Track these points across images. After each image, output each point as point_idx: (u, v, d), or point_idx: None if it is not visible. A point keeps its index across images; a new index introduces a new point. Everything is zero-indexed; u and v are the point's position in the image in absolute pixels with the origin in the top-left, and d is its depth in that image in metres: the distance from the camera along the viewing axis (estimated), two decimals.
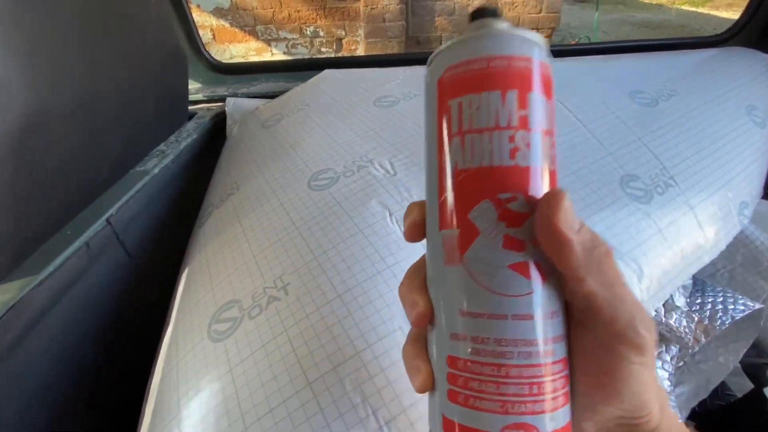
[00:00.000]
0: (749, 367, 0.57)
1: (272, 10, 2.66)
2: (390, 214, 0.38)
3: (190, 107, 0.72)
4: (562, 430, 0.16)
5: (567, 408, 0.17)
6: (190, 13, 0.75)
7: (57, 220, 0.42)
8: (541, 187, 0.17)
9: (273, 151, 0.53)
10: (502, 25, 0.18)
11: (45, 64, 0.36)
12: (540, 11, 2.72)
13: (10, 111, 0.33)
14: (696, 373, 0.51)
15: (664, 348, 0.45)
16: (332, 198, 0.41)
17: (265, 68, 0.84)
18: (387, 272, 0.33)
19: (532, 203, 0.16)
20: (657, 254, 0.39)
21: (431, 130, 0.19)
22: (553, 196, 0.16)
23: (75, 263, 0.40)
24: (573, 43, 3.53)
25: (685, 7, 4.73)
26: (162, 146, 0.61)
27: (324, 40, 2.81)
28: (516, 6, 2.70)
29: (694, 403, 0.50)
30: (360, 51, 2.79)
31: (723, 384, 0.58)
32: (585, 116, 0.49)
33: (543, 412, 0.16)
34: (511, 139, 0.16)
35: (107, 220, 0.45)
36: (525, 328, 0.16)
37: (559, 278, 0.17)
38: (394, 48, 2.67)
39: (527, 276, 0.16)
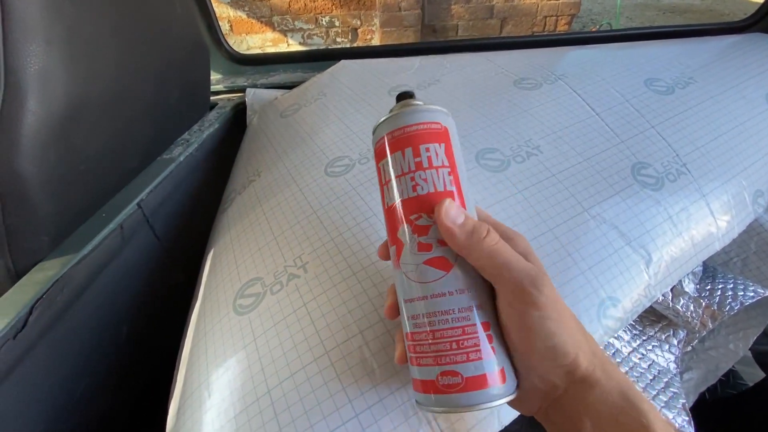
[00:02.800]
0: (761, 356, 0.57)
1: (288, 0, 2.67)
2: None
3: (211, 97, 0.75)
4: (479, 376, 0.22)
5: (484, 362, 0.22)
6: (212, 5, 0.77)
7: (93, 203, 0.45)
8: (437, 204, 0.24)
9: (291, 139, 0.55)
10: (414, 103, 0.27)
11: (84, 55, 0.38)
12: None
13: (54, 99, 0.35)
14: (705, 359, 0.52)
15: (671, 332, 0.46)
16: (348, 184, 0.42)
17: (283, 59, 0.86)
18: None
19: (432, 216, 0.24)
20: (666, 241, 0.40)
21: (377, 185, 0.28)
22: (439, 204, 0.24)
23: (110, 244, 0.43)
24: (593, 30, 3.44)
25: None
26: (186, 135, 0.64)
27: (339, 30, 2.81)
28: None
29: (703, 388, 0.51)
30: (375, 40, 2.78)
31: (734, 373, 0.58)
32: (598, 104, 0.49)
33: (463, 362, 0.22)
34: (412, 179, 0.25)
35: (138, 204, 0.48)
36: (441, 303, 0.23)
37: (465, 265, 0.24)
38: (409, 37, 2.65)
39: (436, 266, 0.24)
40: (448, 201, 0.24)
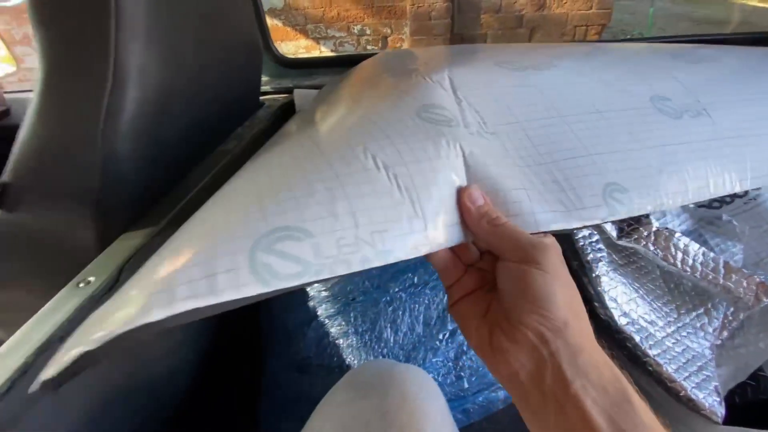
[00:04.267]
0: None
1: (322, 9, 2.78)
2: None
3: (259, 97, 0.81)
4: None
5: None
6: (263, 12, 0.84)
7: (168, 183, 0.50)
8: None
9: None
10: None
11: (173, 53, 0.44)
12: (590, 8, 2.65)
13: (149, 91, 0.41)
14: (734, 356, 0.53)
15: (706, 320, 0.47)
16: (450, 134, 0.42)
17: (324, 63, 0.91)
18: None
19: None
20: (680, 158, 0.39)
21: None
22: (462, 190, 0.29)
23: (184, 219, 0.49)
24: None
25: (754, 3, 4.40)
26: (239, 130, 0.70)
27: (370, 38, 2.89)
28: (565, 3, 2.65)
29: (732, 385, 0.52)
30: (405, 47, 2.85)
31: (766, 378, 0.59)
32: (619, 55, 0.50)
33: None
34: None
35: (201, 188, 0.53)
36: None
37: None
38: (439, 45, 2.70)
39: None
40: (469, 187, 0.30)
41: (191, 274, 0.23)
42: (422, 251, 0.27)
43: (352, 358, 0.54)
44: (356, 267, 0.25)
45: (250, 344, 0.75)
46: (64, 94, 0.38)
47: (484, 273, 0.30)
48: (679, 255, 0.47)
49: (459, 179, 0.31)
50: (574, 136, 0.37)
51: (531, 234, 0.27)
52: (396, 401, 0.33)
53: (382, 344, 0.53)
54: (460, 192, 0.28)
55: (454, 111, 0.37)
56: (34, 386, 0.23)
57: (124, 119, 0.39)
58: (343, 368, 0.54)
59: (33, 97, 0.38)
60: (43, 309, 0.35)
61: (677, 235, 0.48)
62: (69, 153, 0.40)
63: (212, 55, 0.55)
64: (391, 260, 0.26)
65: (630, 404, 0.22)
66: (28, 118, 0.39)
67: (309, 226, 0.25)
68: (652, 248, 0.48)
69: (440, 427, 0.33)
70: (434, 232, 0.28)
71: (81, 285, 0.37)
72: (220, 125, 0.64)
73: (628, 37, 3.45)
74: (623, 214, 0.34)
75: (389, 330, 0.54)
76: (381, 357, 0.53)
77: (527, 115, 0.38)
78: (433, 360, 0.56)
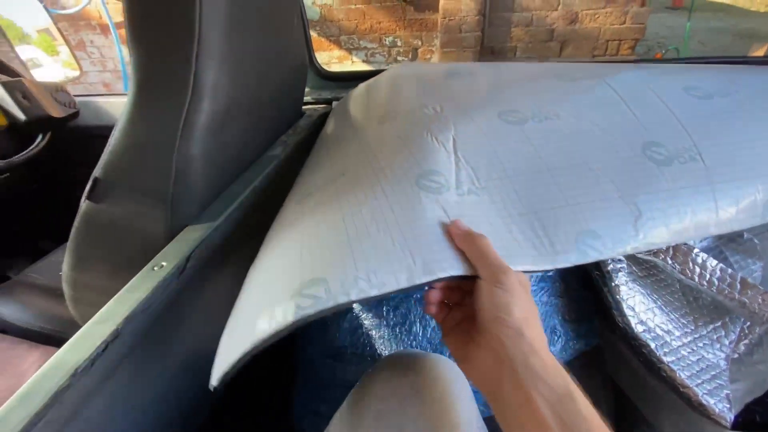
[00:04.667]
0: None
1: (356, 21, 2.88)
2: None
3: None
4: None
5: None
6: (309, 30, 0.91)
7: (227, 183, 0.57)
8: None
9: (387, 145, 0.62)
10: None
11: (241, 70, 0.51)
12: (624, 22, 2.64)
13: (219, 105, 0.47)
14: (753, 372, 0.54)
15: (723, 333, 0.49)
16: (439, 206, 0.43)
17: (362, 76, 0.97)
18: None
19: None
20: (661, 206, 0.41)
21: None
22: (450, 223, 0.38)
23: (237, 216, 0.55)
24: (658, 56, 3.34)
25: None
26: (284, 137, 0.76)
27: (401, 50, 2.96)
28: (598, 17, 2.64)
29: (749, 399, 0.53)
30: (434, 59, 2.90)
31: None
32: (625, 91, 0.51)
33: None
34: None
35: (253, 189, 0.59)
36: None
37: None
38: (468, 57, 2.74)
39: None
40: (457, 220, 0.38)
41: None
42: (415, 282, 0.34)
43: (384, 348, 0.58)
44: (354, 297, 0.33)
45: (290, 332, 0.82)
46: (151, 105, 0.45)
47: (466, 308, 0.37)
48: (697, 270, 0.49)
49: (445, 231, 0.38)
50: (557, 188, 0.42)
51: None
52: (429, 381, 0.38)
53: (412, 337, 0.57)
54: (448, 226, 0.36)
55: (449, 174, 0.45)
56: (214, 382, 0.35)
57: (197, 127, 0.46)
58: (374, 357, 0.59)
59: (125, 105, 0.45)
60: (125, 287, 0.41)
61: (695, 250, 0.50)
62: (151, 155, 0.46)
63: (269, 70, 0.62)
64: (385, 291, 0.34)
65: (573, 400, 0.26)
66: (120, 124, 0.46)
67: (326, 275, 0.35)
68: (670, 262, 0.50)
69: (468, 407, 0.37)
70: (421, 267, 0.35)
71: (155, 269, 0.43)
72: (269, 131, 0.71)
73: (663, 51, 3.38)
74: (594, 257, 0.39)
75: (418, 324, 0.58)
76: (410, 348, 0.58)
77: (517, 168, 0.44)
78: None
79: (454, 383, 0.39)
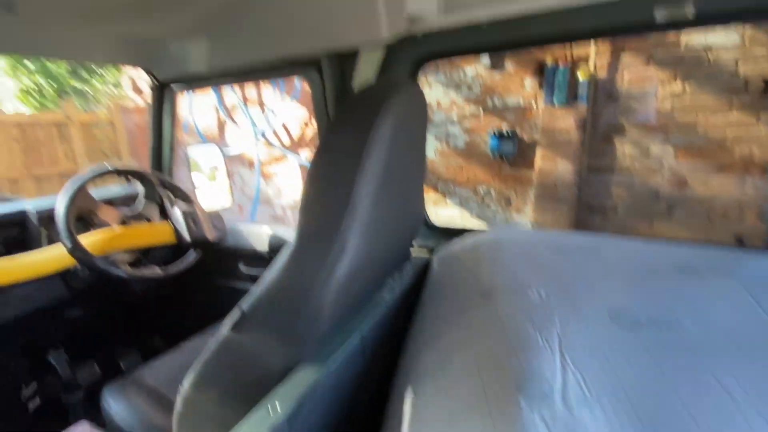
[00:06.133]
0: None
1: (454, 173, 3.20)
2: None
3: None
4: None
5: None
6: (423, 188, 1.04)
7: (341, 321, 0.61)
8: None
9: (487, 331, 0.61)
10: None
11: (376, 231, 0.59)
12: (744, 192, 2.49)
13: (354, 258, 0.55)
14: None
15: None
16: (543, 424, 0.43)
17: (461, 232, 1.04)
18: None
19: None
20: None
21: None
22: None
23: (341, 360, 0.57)
24: None
25: None
26: (390, 281, 0.81)
27: (493, 198, 3.14)
28: (711, 184, 2.55)
29: None
30: (528, 210, 2.99)
31: None
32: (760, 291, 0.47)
33: None
34: None
35: (361, 338, 0.62)
36: None
37: None
38: (563, 212, 2.77)
39: None
40: None
41: None
42: None
43: None
44: None
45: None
46: (304, 259, 0.53)
47: None
48: None
49: None
50: (677, 398, 0.37)
51: None
52: None
53: None
54: None
55: (555, 379, 0.41)
56: None
57: (334, 277, 0.53)
58: None
59: (283, 256, 0.55)
60: (242, 426, 0.43)
61: None
62: (294, 299, 0.53)
63: (396, 226, 0.71)
64: None
65: None
66: (276, 270, 0.55)
67: None
68: None
69: None
70: None
71: (270, 410, 0.45)
72: (381, 273, 0.77)
73: None
74: None
75: None
76: None
77: (632, 380, 0.40)
78: None
79: None
